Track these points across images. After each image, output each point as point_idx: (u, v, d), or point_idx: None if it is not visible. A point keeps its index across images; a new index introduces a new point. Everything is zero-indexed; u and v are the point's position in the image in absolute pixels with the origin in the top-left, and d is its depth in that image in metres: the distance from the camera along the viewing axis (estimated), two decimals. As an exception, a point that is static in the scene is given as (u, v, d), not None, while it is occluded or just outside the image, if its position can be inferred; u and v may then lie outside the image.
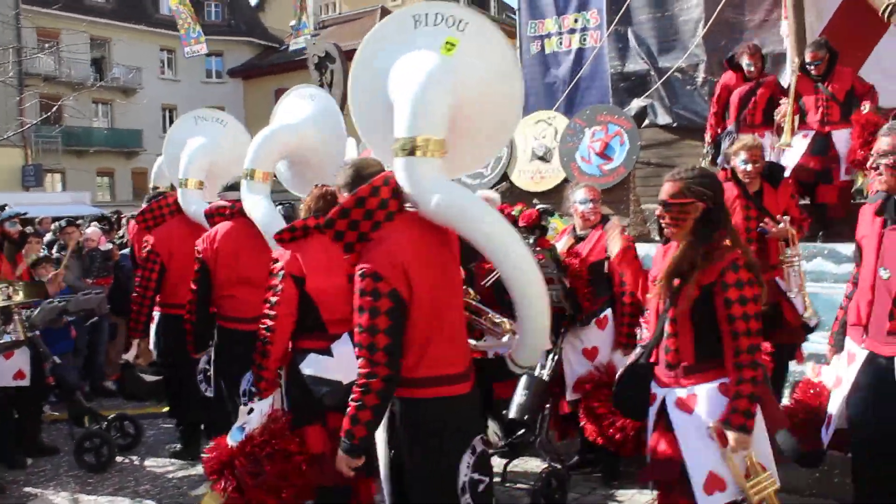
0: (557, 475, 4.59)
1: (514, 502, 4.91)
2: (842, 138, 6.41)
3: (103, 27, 33.51)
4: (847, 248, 5.44)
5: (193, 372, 5.43)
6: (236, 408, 4.13)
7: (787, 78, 7.24)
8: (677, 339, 3.13)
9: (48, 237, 9.66)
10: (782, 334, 4.76)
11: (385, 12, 37.82)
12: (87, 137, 33.84)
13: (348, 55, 15.95)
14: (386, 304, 2.73)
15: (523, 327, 3.04)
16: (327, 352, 3.63)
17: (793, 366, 5.11)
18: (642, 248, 5.30)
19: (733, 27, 8.45)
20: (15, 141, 25.44)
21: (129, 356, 6.01)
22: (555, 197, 7.74)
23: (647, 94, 8.85)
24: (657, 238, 7.11)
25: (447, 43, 3.05)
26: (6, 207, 7.22)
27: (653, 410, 3.23)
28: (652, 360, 3.28)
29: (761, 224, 4.84)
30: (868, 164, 3.36)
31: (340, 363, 3.53)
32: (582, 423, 4.86)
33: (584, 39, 10.11)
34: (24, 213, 7.77)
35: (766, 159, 6.59)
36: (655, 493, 3.30)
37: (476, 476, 2.88)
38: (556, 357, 4.98)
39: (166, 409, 7.45)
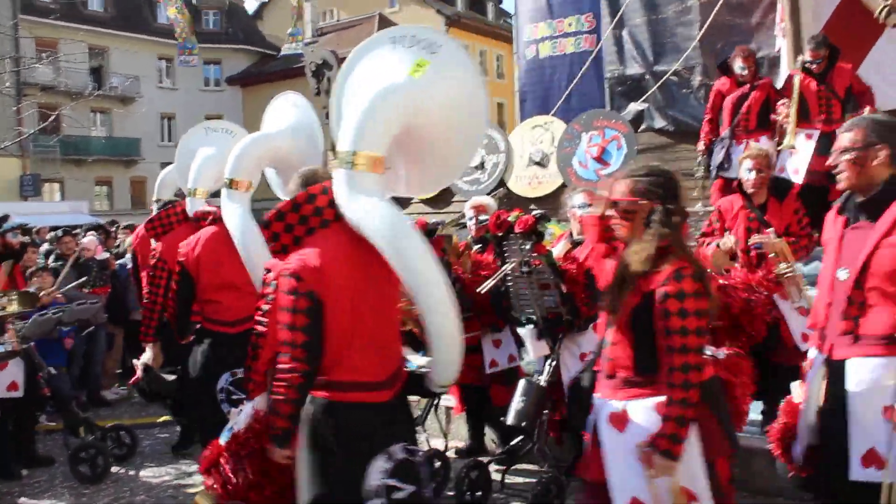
0: (556, 482, 4.56)
1: (512, 510, 4.88)
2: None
3: (101, 36, 33.59)
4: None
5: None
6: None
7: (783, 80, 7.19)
8: (616, 349, 2.93)
9: (45, 247, 9.63)
10: (781, 354, 4.72)
11: (383, 19, 37.95)
12: (85, 146, 33.83)
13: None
14: (304, 303, 2.88)
15: (434, 348, 3.03)
16: None
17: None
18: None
19: (729, 30, 8.43)
20: (13, 150, 25.43)
21: (145, 359, 6.05)
22: (552, 202, 7.73)
23: (643, 98, 8.83)
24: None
25: (416, 64, 3.20)
26: (8, 218, 7.21)
27: (590, 421, 3.04)
28: (597, 368, 3.10)
29: (754, 238, 4.72)
30: (827, 163, 3.18)
31: None
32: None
33: (580, 43, 10.09)
34: (25, 225, 7.79)
35: (776, 166, 6.55)
36: None
37: (392, 482, 2.94)
38: (554, 363, 4.95)
39: (162, 419, 7.44)
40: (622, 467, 2.83)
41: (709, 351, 3.39)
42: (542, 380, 4.78)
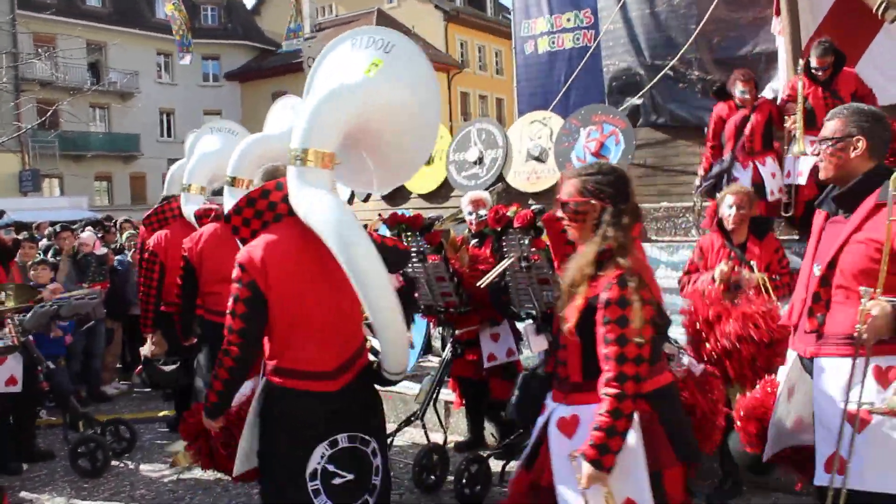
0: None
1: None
2: None
3: (99, 31, 33.50)
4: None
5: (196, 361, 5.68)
6: None
7: (781, 80, 7.16)
8: (566, 353, 2.85)
9: (43, 242, 9.64)
10: None
11: (381, 15, 37.90)
12: (84, 142, 33.82)
13: (344, 57, 16.04)
14: (245, 293, 3.07)
15: (380, 340, 3.15)
16: None
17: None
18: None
19: (726, 25, 8.43)
20: (12, 146, 25.43)
21: (146, 350, 6.29)
22: (551, 197, 7.68)
23: (640, 93, 8.83)
24: (653, 237, 7.12)
25: (372, 63, 3.38)
26: (3, 214, 7.26)
27: (540, 421, 2.97)
28: (549, 370, 3.05)
29: (734, 276, 4.56)
30: (811, 151, 3.22)
31: None
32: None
33: (578, 39, 10.08)
34: (18, 222, 7.88)
35: (779, 178, 6.46)
36: None
37: (332, 468, 3.11)
38: (553, 358, 4.97)
39: (162, 413, 7.47)
40: (568, 474, 2.75)
41: (685, 360, 3.36)
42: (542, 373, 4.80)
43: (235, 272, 3.10)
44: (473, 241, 5.61)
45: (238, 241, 3.36)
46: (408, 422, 5.39)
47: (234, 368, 3.15)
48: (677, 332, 4.48)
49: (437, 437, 5.40)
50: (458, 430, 6.12)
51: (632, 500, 2.67)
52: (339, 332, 3.18)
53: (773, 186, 6.43)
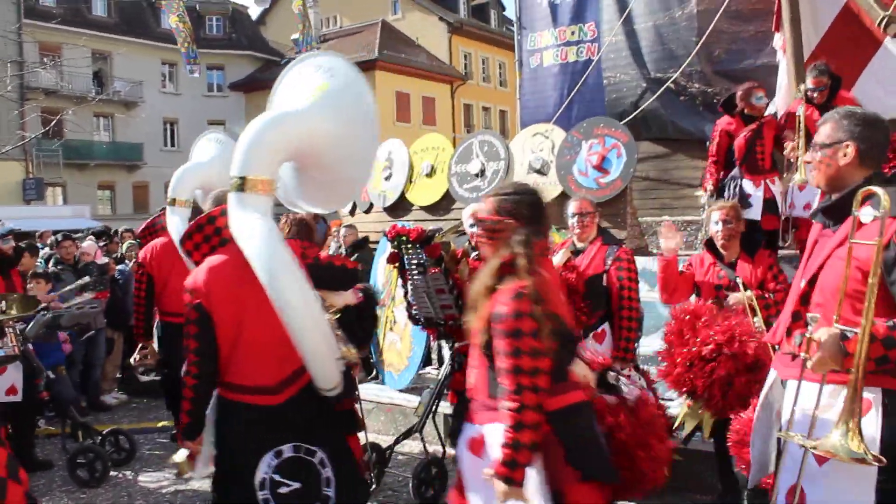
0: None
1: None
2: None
3: (104, 41, 33.62)
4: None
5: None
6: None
7: (780, 95, 7.15)
8: (473, 371, 2.87)
9: (45, 251, 9.65)
10: None
11: (385, 26, 38.04)
12: (87, 151, 33.89)
13: (347, 69, 16.05)
14: (193, 314, 3.29)
15: (305, 361, 3.27)
16: None
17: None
18: (640, 262, 5.28)
19: (728, 38, 8.45)
20: (16, 154, 25.51)
21: (132, 359, 6.37)
22: (552, 210, 7.70)
23: (643, 106, 8.85)
24: (655, 251, 7.11)
25: (317, 88, 3.56)
26: (1, 224, 7.26)
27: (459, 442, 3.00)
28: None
29: (719, 296, 4.48)
30: (805, 158, 3.06)
31: None
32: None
33: (582, 52, 10.12)
34: (17, 230, 7.85)
35: (787, 202, 6.35)
36: None
37: (278, 477, 3.26)
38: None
39: (162, 424, 7.45)
40: (481, 495, 2.74)
41: (624, 388, 3.35)
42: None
43: (185, 295, 3.32)
44: (474, 254, 5.61)
45: (193, 264, 3.54)
46: (407, 434, 5.37)
47: (197, 386, 3.34)
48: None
49: (435, 450, 5.38)
50: (458, 442, 6.09)
51: None
52: (279, 350, 3.27)
53: (793, 197, 6.36)
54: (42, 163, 31.46)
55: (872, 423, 2.49)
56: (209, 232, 3.48)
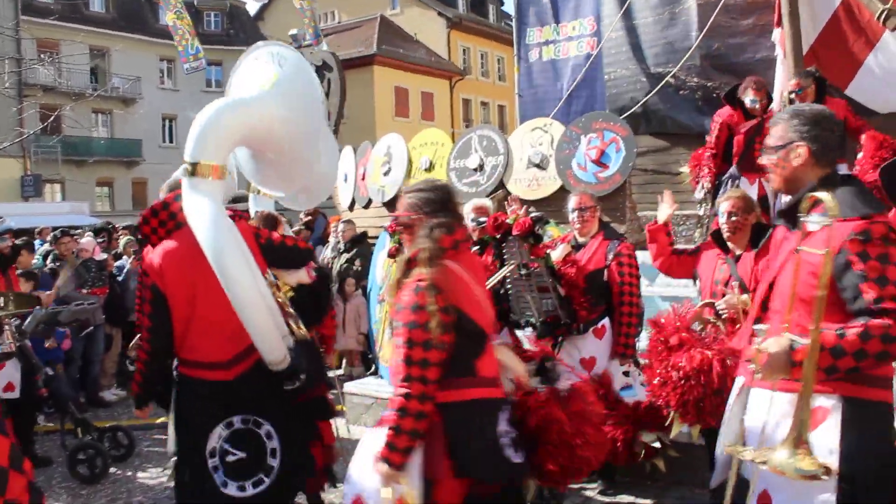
0: (551, 487, 4.51)
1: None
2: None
3: (102, 37, 33.52)
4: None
5: None
6: None
7: (777, 91, 7.10)
8: (393, 358, 2.96)
9: (44, 248, 9.63)
10: None
11: (384, 21, 37.98)
12: (86, 147, 33.83)
13: (346, 64, 15.98)
14: (148, 294, 3.59)
15: (252, 337, 3.47)
16: None
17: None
18: (640, 256, 5.27)
19: (727, 31, 8.42)
20: (14, 151, 25.46)
21: (132, 345, 6.32)
22: (551, 204, 7.71)
23: (642, 100, 8.83)
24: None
25: (268, 77, 3.73)
26: (1, 220, 7.24)
27: None
28: None
29: (715, 291, 4.31)
30: (758, 161, 2.81)
31: None
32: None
33: (582, 47, 10.09)
34: (12, 228, 7.84)
35: (774, 203, 6.26)
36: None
37: (227, 447, 3.52)
38: (552, 366, 4.95)
39: (161, 420, 7.43)
40: (361, 464, 2.95)
41: (561, 379, 3.34)
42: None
43: (141, 276, 3.61)
44: (474, 249, 5.60)
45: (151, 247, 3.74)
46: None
47: (147, 361, 3.68)
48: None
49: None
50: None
51: (403, 499, 2.76)
52: (231, 327, 3.45)
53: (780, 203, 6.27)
54: (40, 159, 31.39)
55: (831, 433, 2.44)
56: (164, 217, 3.67)
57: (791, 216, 2.66)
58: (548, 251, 4.90)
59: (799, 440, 2.33)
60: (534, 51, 10.66)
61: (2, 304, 5.43)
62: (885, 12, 6.36)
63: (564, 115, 9.48)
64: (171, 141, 37.39)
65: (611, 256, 4.96)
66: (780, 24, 7.21)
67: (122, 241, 10.21)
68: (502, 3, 45.83)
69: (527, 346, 4.91)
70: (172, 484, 5.56)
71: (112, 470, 5.95)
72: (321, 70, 13.33)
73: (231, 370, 3.53)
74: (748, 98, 6.27)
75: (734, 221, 4.36)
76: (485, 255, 5.35)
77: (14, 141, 20.08)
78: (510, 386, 3.15)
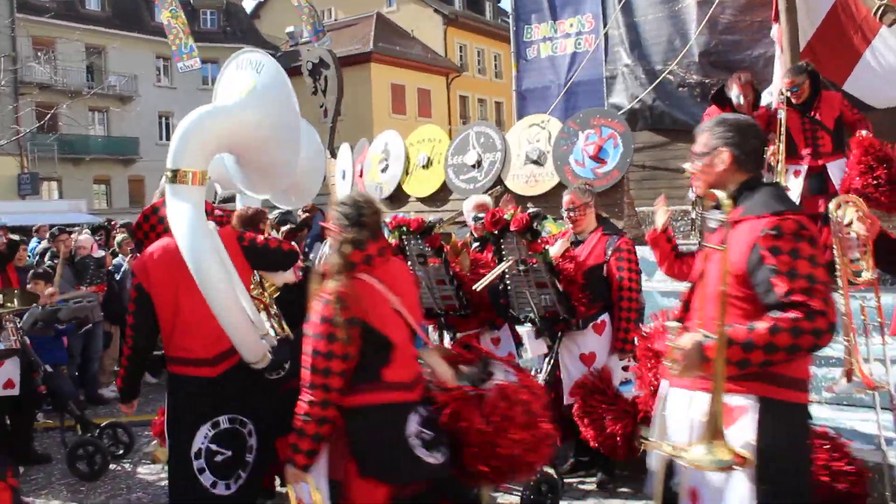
0: (549, 481, 4.54)
1: (507, 508, 4.89)
2: (837, 170, 5.78)
3: (98, 35, 33.47)
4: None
5: None
6: None
7: (776, 87, 7.11)
8: None
9: (42, 245, 9.62)
10: None
11: (381, 18, 37.92)
12: (83, 145, 33.78)
13: (343, 61, 15.95)
14: (134, 293, 3.81)
15: (230, 336, 3.61)
16: None
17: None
18: (637, 251, 5.28)
19: (725, 29, 8.45)
20: (10, 149, 25.44)
21: None
22: (549, 200, 7.73)
23: (640, 96, 8.85)
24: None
25: (246, 85, 3.89)
26: (-2, 218, 7.25)
27: None
28: None
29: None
30: (687, 168, 2.90)
31: None
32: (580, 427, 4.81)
33: (580, 43, 10.11)
34: (5, 225, 7.85)
35: None
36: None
37: (214, 447, 3.63)
38: (552, 361, 4.96)
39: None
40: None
41: (488, 381, 3.34)
42: (540, 378, 4.79)
43: (130, 276, 3.68)
44: (475, 245, 5.61)
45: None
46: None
47: (132, 356, 3.88)
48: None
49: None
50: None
51: (300, 498, 2.96)
52: (214, 326, 3.58)
53: None
54: (37, 157, 31.35)
55: (747, 431, 2.49)
56: (154, 221, 3.95)
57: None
58: (546, 247, 4.91)
59: (714, 433, 2.40)
60: (531, 47, 10.69)
61: (2, 302, 5.45)
62: (882, 8, 6.37)
63: (562, 111, 9.50)
64: (167, 139, 37.10)
65: (610, 251, 4.96)
66: (778, 19, 7.22)
67: (118, 238, 10.19)
68: (499, 0, 45.83)
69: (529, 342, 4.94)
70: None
71: (111, 466, 5.94)
72: (318, 67, 13.32)
73: (216, 367, 3.69)
74: (733, 94, 6.24)
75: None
76: (486, 251, 5.37)
77: (11, 139, 20.07)
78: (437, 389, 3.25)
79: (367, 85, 35.24)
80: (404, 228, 5.13)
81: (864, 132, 5.70)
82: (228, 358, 3.67)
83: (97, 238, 9.75)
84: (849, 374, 3.67)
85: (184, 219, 3.54)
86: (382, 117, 33.63)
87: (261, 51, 4.10)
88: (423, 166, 9.13)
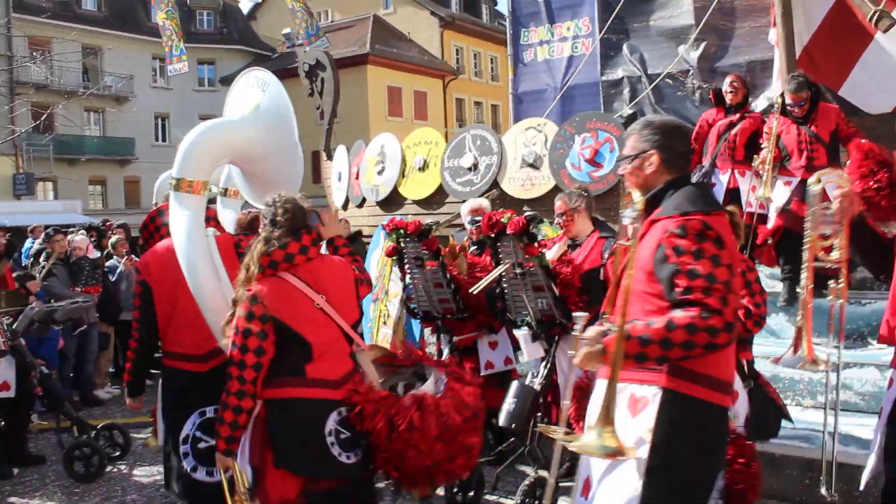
0: (543, 484, 4.54)
1: (502, 511, 4.89)
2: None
3: (95, 35, 33.41)
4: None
5: None
6: None
7: (775, 89, 7.15)
8: None
9: (36, 246, 9.59)
10: None
11: (377, 20, 37.93)
12: (78, 146, 33.73)
13: (340, 63, 15.93)
14: (139, 289, 4.10)
15: (214, 334, 3.79)
16: None
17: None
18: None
19: (723, 34, 8.48)
20: (6, 149, 25.35)
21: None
22: (546, 204, 7.72)
23: (636, 100, 8.86)
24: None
25: (251, 102, 4.15)
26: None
27: None
28: None
29: None
30: (619, 171, 2.96)
31: None
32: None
33: (576, 47, 10.13)
34: (3, 225, 7.83)
35: (747, 204, 6.23)
36: None
37: (199, 434, 3.91)
38: (549, 365, 4.96)
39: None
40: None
41: (419, 386, 3.40)
42: (537, 382, 4.79)
43: (135, 273, 4.14)
44: (473, 249, 5.61)
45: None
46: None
47: (138, 349, 4.16)
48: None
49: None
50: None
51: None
52: (207, 324, 3.80)
53: (752, 199, 6.22)
54: (32, 158, 31.25)
55: (649, 420, 2.55)
56: (159, 223, 4.24)
57: (640, 219, 2.80)
58: (542, 250, 4.91)
59: (605, 420, 2.47)
60: (528, 51, 10.71)
61: (-7, 303, 5.44)
62: (878, 13, 6.40)
63: (558, 114, 9.51)
64: (163, 139, 37.28)
65: (606, 255, 4.96)
66: (776, 23, 7.26)
67: (112, 239, 10.16)
68: (495, 3, 45.84)
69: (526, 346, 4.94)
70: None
71: (106, 468, 5.92)
72: (314, 69, 13.29)
73: (207, 363, 3.93)
74: (724, 86, 6.46)
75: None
76: (483, 255, 5.37)
77: (6, 139, 20.02)
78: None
79: (364, 87, 35.24)
80: (402, 231, 5.14)
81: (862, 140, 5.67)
82: (219, 355, 3.76)
83: (92, 239, 9.71)
84: (796, 347, 3.67)
85: (182, 225, 3.80)
86: (379, 119, 33.63)
87: (268, 72, 4.34)
88: (420, 169, 9.13)
